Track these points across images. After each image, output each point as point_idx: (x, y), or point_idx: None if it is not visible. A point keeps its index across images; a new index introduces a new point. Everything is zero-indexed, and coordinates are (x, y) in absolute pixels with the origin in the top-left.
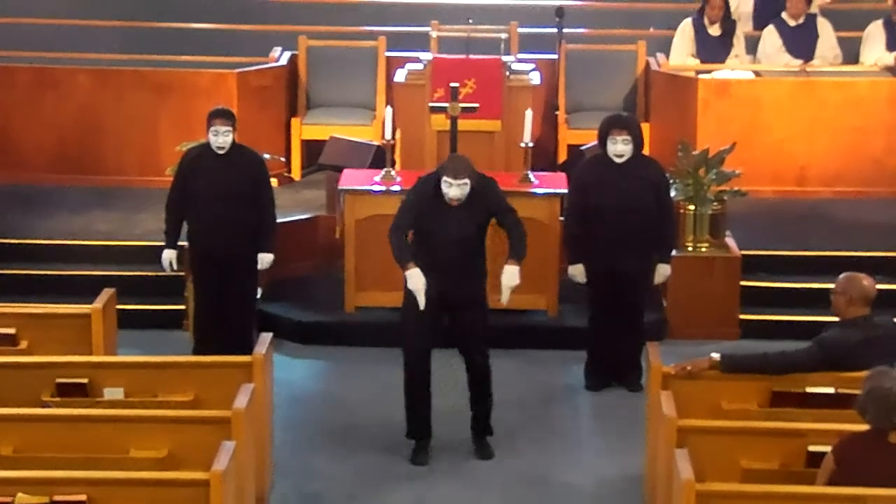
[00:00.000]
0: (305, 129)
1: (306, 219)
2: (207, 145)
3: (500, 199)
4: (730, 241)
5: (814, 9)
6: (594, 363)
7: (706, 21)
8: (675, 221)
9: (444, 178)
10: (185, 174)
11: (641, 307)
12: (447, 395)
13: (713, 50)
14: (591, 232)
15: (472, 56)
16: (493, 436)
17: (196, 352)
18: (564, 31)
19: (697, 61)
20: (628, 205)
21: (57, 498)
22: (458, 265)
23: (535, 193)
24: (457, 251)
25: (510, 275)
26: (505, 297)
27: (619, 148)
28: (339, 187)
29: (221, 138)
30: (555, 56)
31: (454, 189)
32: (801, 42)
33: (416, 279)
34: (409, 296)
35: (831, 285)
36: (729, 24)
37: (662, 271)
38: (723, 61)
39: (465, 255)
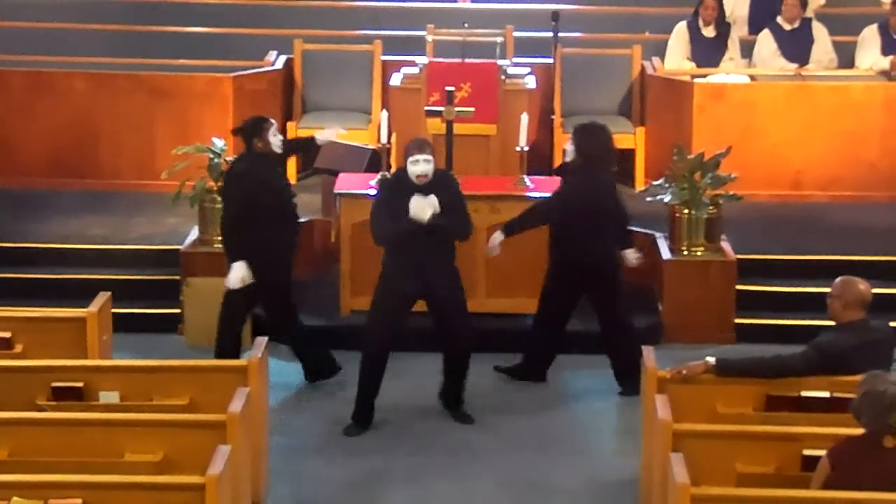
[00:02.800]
0: (301, 132)
1: (302, 223)
2: None
3: (456, 192)
4: (725, 245)
5: (809, 13)
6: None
7: (700, 23)
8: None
9: (410, 157)
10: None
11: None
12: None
13: (707, 52)
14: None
15: (467, 60)
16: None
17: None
18: (560, 35)
19: (693, 64)
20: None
21: (52, 502)
22: (431, 249)
23: (530, 197)
24: (428, 235)
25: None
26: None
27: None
28: (335, 191)
29: None
30: (550, 60)
31: (420, 165)
32: (796, 46)
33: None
34: (382, 289)
35: (827, 289)
36: (723, 27)
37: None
38: (717, 63)
39: (437, 239)
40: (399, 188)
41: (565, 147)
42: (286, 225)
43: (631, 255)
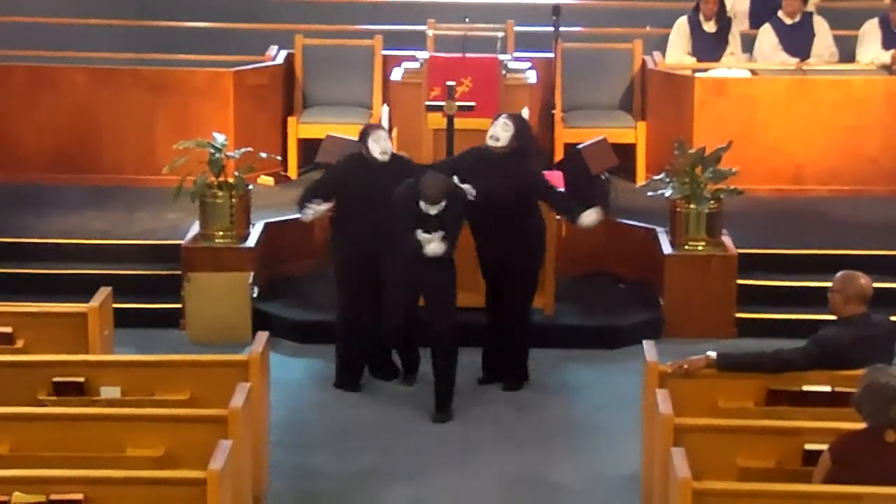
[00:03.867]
0: (302, 127)
1: None
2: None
3: (458, 214)
4: (726, 239)
5: (810, 7)
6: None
7: (701, 17)
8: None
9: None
10: None
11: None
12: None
13: (708, 47)
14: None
15: (468, 55)
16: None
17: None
18: (561, 29)
19: (693, 59)
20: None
21: (53, 497)
22: None
23: None
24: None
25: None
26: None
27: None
28: None
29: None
30: (551, 55)
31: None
32: (797, 40)
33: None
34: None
35: (828, 284)
36: (724, 21)
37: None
38: (718, 58)
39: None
40: (412, 200)
41: (494, 133)
42: None
43: (589, 216)
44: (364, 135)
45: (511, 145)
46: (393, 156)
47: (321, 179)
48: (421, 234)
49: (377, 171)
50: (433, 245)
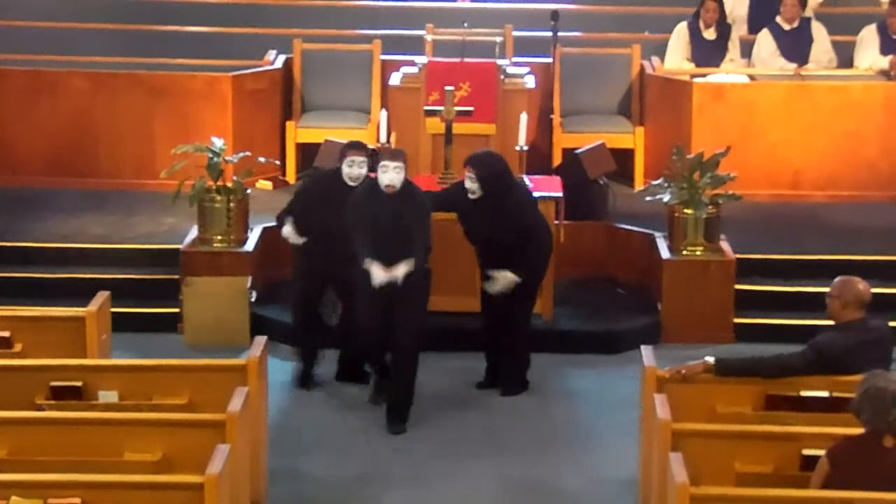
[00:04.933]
0: (300, 132)
1: None
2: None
3: (421, 207)
4: (724, 244)
5: (808, 13)
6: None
7: (701, 25)
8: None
9: (381, 163)
10: None
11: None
12: (442, 396)
13: (708, 54)
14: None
15: (466, 59)
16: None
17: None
18: (559, 34)
19: (692, 65)
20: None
21: (51, 501)
22: (398, 247)
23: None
24: (394, 235)
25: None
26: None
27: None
28: None
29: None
30: (550, 60)
31: (390, 173)
32: (795, 46)
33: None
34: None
35: (826, 289)
36: (724, 28)
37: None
38: (718, 65)
39: (403, 239)
40: (370, 195)
41: (468, 186)
42: None
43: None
44: (342, 155)
45: (484, 192)
46: (367, 179)
47: (294, 197)
48: (374, 268)
49: (348, 193)
50: (391, 274)
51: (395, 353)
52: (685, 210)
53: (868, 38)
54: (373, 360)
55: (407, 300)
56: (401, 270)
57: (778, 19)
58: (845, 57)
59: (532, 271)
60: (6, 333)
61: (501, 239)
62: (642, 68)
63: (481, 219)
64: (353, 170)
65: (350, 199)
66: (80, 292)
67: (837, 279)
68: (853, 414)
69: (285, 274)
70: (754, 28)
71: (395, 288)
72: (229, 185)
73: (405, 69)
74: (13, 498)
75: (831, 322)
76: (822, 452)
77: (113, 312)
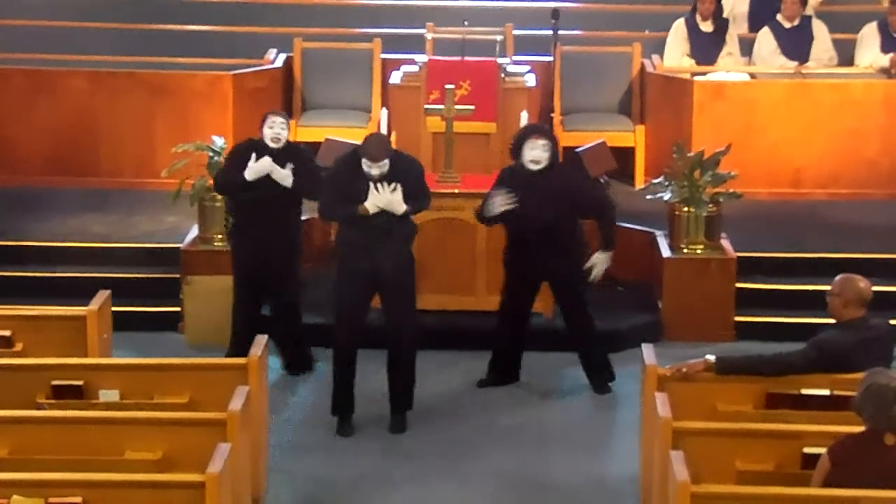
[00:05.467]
0: (301, 130)
1: (303, 220)
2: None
3: (418, 174)
4: (725, 242)
5: (809, 11)
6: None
7: (698, 17)
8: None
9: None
10: None
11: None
12: (441, 395)
13: (706, 47)
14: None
15: (467, 58)
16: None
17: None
18: (560, 32)
19: (692, 61)
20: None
21: (52, 500)
22: (383, 231)
23: None
24: (378, 217)
25: None
26: None
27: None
28: None
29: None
30: (550, 58)
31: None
32: (796, 44)
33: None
34: (339, 275)
35: (827, 287)
36: (721, 22)
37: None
38: (716, 58)
39: (388, 222)
40: (353, 168)
41: (537, 156)
42: None
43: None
44: (262, 121)
45: (551, 161)
46: (288, 143)
47: (225, 164)
48: (381, 194)
49: (272, 157)
50: (381, 197)
51: (392, 347)
52: (686, 208)
53: (869, 36)
54: (342, 358)
55: (396, 284)
56: (398, 196)
57: (778, 17)
58: (846, 55)
59: (614, 244)
60: (7, 332)
61: (564, 214)
62: (643, 66)
63: (544, 197)
64: (274, 130)
65: (331, 172)
66: (80, 291)
67: (838, 277)
68: (854, 412)
69: None
70: (755, 26)
71: (381, 273)
72: None
73: (405, 68)
74: (14, 497)
75: (832, 320)
76: (822, 450)
77: (114, 311)
